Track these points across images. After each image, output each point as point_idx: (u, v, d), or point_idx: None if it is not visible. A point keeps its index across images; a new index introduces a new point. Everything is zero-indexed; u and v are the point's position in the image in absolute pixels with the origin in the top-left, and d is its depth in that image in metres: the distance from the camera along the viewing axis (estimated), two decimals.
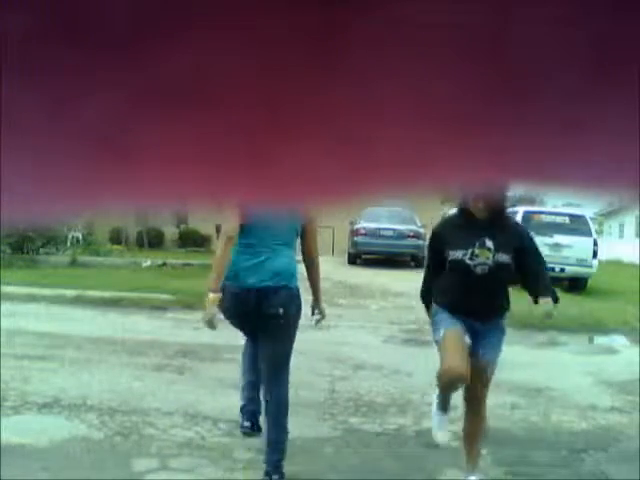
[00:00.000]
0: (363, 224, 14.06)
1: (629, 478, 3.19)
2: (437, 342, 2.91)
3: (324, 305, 3.27)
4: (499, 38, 0.18)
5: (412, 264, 14.32)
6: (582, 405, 4.37)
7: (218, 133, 0.20)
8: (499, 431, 3.77)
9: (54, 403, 3.98)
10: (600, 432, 3.89)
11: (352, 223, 14.58)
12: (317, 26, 0.17)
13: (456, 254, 2.79)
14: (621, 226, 26.55)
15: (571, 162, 0.22)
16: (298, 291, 2.94)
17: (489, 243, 2.76)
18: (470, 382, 2.78)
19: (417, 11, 0.17)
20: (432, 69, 0.18)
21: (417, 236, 14.09)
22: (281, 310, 2.80)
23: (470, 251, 2.77)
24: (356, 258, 14.37)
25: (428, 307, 3.04)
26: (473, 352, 2.81)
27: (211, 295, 2.78)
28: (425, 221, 15.57)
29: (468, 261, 2.77)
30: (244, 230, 2.79)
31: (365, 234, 13.92)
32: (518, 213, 11.94)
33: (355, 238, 14.05)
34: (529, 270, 2.85)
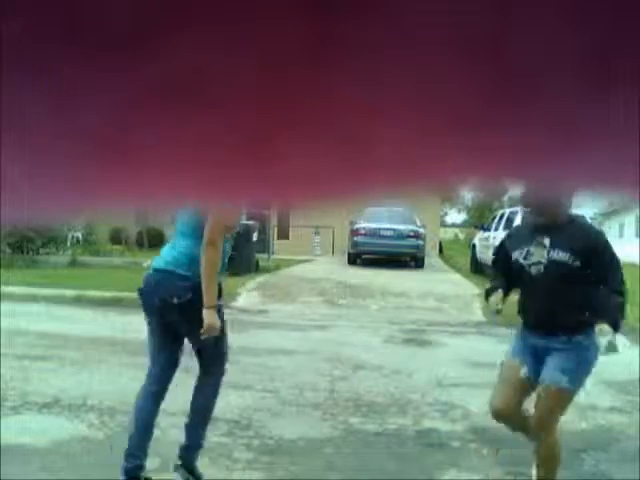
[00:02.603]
0: (363, 224, 14.08)
1: (629, 478, 3.19)
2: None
3: (208, 312, 2.60)
4: (499, 38, 0.18)
5: (412, 264, 14.35)
6: (582, 405, 4.37)
7: (219, 133, 0.20)
8: (499, 431, 3.77)
9: (54, 403, 3.98)
10: (600, 432, 3.89)
11: (352, 223, 14.59)
12: (318, 26, 0.17)
13: (514, 255, 2.59)
14: (621, 226, 26.55)
15: (571, 162, 0.22)
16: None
17: (546, 240, 2.51)
18: (535, 409, 2.56)
19: (417, 12, 0.17)
20: (432, 69, 0.18)
21: (417, 236, 14.11)
22: (175, 299, 2.64)
23: (526, 250, 2.55)
24: (356, 258, 14.38)
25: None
26: (536, 376, 2.56)
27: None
28: (425, 221, 15.61)
29: (522, 261, 2.56)
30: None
31: (365, 234, 13.94)
32: (518, 213, 11.95)
33: (355, 238, 14.07)
34: (595, 274, 2.50)
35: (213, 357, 2.81)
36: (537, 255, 2.52)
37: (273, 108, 0.19)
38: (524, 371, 2.59)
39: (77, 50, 0.17)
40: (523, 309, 2.65)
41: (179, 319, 2.69)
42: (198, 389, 2.86)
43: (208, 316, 2.59)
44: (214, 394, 2.86)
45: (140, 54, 0.18)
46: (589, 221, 2.79)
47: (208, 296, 2.58)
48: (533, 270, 2.53)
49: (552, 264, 2.49)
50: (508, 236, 2.80)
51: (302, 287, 9.91)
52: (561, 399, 2.53)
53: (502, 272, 2.71)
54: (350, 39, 0.18)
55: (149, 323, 2.81)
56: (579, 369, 2.51)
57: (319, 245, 18.68)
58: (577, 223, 2.61)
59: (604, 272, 2.50)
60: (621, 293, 2.49)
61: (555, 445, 2.61)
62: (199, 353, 2.80)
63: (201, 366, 2.84)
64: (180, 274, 2.65)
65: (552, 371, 2.49)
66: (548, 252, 2.50)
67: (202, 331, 2.59)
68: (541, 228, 2.54)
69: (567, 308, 2.48)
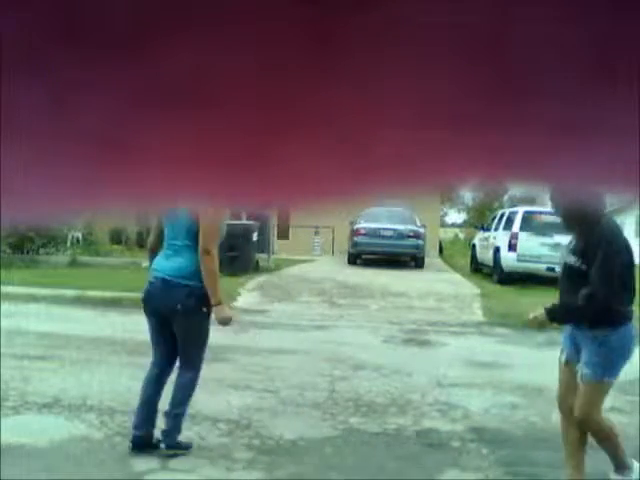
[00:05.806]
0: (363, 224, 14.07)
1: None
2: None
3: (219, 308, 3.14)
4: (499, 38, 0.18)
5: (412, 264, 14.34)
6: None
7: (218, 133, 0.20)
8: (499, 431, 3.77)
9: (54, 403, 3.98)
10: None
11: (352, 223, 14.59)
12: (317, 26, 0.17)
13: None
14: (621, 226, 26.54)
15: (571, 162, 0.22)
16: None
17: (571, 245, 2.80)
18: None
19: (417, 11, 0.17)
20: (432, 69, 0.18)
21: (417, 236, 14.10)
22: (179, 306, 3.06)
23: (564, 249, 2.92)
24: (356, 258, 14.37)
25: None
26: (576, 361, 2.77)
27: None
28: (425, 221, 15.61)
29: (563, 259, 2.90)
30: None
31: (365, 234, 13.93)
32: (518, 213, 11.95)
33: (355, 238, 14.06)
34: (592, 276, 2.62)
35: (195, 354, 3.21)
36: (561, 256, 2.89)
37: (273, 108, 0.19)
38: (563, 356, 2.83)
39: (77, 50, 0.17)
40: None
41: (179, 320, 3.12)
42: (179, 382, 3.25)
43: (219, 311, 3.10)
44: (193, 387, 3.24)
45: (140, 54, 0.18)
46: (612, 223, 2.84)
47: (215, 297, 3.05)
48: (556, 270, 2.97)
49: (565, 267, 2.77)
50: None
51: (302, 287, 9.91)
52: (587, 391, 2.68)
53: None
54: (350, 39, 0.18)
55: (150, 324, 3.24)
56: (601, 361, 2.65)
57: (319, 245, 18.67)
58: (599, 227, 2.69)
59: (595, 275, 2.62)
60: (605, 297, 2.59)
61: (580, 433, 2.77)
62: (183, 349, 3.20)
63: (182, 362, 3.24)
64: (182, 284, 3.06)
65: (582, 365, 2.69)
66: (565, 256, 2.78)
67: (217, 322, 3.13)
68: (569, 230, 2.85)
69: (580, 303, 2.66)
